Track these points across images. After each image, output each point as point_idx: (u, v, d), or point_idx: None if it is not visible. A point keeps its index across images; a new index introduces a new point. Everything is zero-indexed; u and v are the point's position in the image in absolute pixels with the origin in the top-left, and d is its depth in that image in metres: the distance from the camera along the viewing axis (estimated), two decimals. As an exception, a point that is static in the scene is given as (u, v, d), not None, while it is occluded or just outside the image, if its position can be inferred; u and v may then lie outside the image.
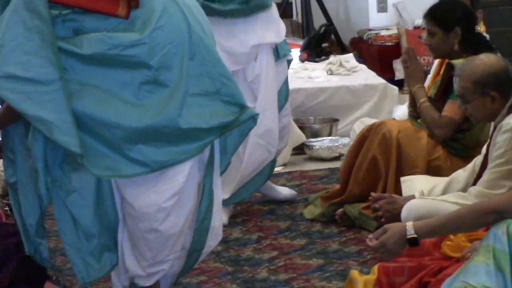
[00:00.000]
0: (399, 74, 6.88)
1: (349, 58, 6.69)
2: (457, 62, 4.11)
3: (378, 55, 7.16)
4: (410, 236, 2.97)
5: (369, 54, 7.21)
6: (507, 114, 3.54)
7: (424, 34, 4.47)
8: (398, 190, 4.12)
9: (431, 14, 4.42)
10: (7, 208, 4.22)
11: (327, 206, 4.46)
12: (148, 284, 3.32)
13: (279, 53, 4.55)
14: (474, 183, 3.76)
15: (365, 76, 6.45)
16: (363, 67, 6.69)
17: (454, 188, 3.88)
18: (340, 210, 4.39)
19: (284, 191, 4.87)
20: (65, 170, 3.17)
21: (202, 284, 3.72)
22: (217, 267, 3.90)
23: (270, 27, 4.48)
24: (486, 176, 3.64)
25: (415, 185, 3.99)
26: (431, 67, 4.82)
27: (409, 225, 3.00)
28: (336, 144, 5.68)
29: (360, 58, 7.14)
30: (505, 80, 3.51)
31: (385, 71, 7.00)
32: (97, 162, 3.08)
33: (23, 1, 3.06)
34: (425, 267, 3.18)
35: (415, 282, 3.16)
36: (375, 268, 3.36)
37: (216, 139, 3.20)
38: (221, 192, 3.39)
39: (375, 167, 4.34)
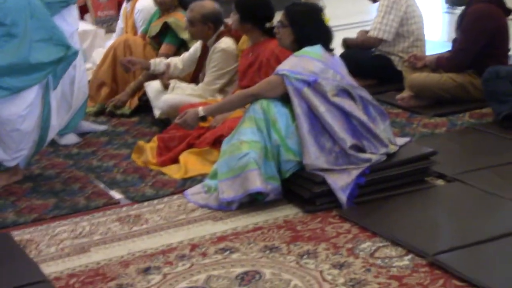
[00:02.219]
0: None
1: None
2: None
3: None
4: (201, 115, 4.45)
5: None
6: (216, 40, 5.62)
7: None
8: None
9: None
10: None
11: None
12: (12, 165, 5.01)
13: None
14: (195, 73, 5.85)
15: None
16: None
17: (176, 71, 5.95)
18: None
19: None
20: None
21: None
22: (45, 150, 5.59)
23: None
24: (207, 78, 5.67)
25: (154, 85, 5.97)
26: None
27: (200, 108, 4.46)
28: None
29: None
30: (218, 18, 5.61)
31: None
32: (-22, 89, 4.68)
33: None
34: (190, 134, 4.99)
35: (185, 144, 5.01)
36: (155, 138, 5.29)
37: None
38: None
39: None
